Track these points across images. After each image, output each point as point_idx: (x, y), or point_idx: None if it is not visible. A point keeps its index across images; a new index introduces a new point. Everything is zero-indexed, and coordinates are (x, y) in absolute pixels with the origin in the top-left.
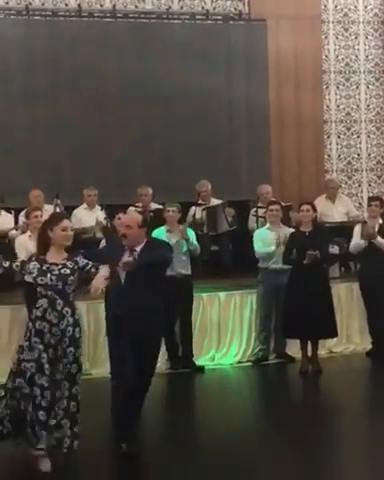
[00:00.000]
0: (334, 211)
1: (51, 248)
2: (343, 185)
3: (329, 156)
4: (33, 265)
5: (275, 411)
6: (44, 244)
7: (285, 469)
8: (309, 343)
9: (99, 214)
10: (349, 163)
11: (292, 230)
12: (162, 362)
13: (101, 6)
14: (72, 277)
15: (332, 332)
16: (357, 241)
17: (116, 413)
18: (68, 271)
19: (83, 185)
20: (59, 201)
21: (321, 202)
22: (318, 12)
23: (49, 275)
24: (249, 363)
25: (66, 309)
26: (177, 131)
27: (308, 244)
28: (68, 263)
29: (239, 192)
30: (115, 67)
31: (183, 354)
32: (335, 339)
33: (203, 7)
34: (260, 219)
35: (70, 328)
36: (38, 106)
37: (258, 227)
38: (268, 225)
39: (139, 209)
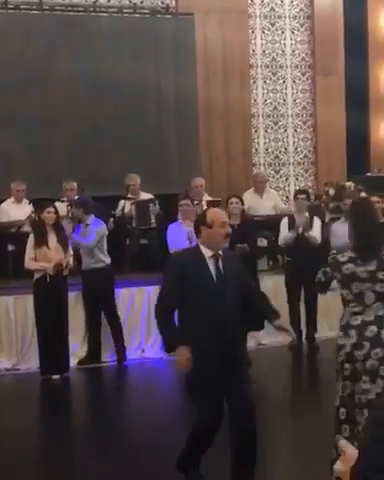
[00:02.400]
0: (262, 204)
1: None
2: (271, 179)
3: (257, 150)
4: (349, 265)
5: None
6: None
7: (214, 460)
8: None
9: (27, 208)
10: (276, 157)
11: None
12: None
13: None
14: None
15: (260, 324)
16: (286, 233)
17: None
18: None
19: (10, 179)
20: None
21: (249, 195)
22: (245, 6)
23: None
24: None
25: None
26: (105, 124)
27: (236, 237)
28: None
29: (169, 185)
30: (41, 60)
31: (116, 348)
32: (263, 331)
33: (130, 1)
34: None
35: None
36: None
37: None
38: (180, 220)
39: (65, 203)
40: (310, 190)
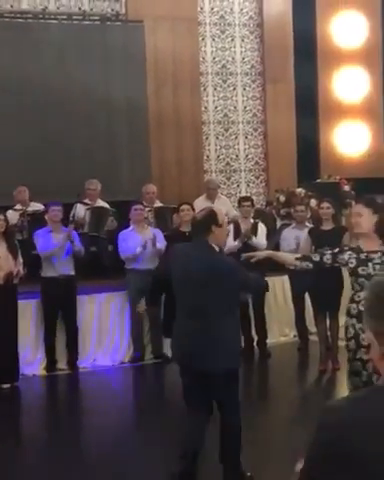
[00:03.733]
0: None
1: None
2: (222, 185)
3: (208, 157)
4: (349, 255)
5: (157, 410)
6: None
7: (163, 469)
8: None
9: None
10: (228, 164)
11: (157, 230)
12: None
13: None
14: None
15: None
16: (231, 242)
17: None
18: None
19: None
20: None
21: (201, 202)
22: (195, 14)
23: (370, 264)
24: (129, 364)
25: None
26: (55, 131)
27: None
28: None
29: (120, 193)
30: None
31: (68, 355)
32: None
33: (80, 8)
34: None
35: None
36: None
37: None
38: (132, 226)
39: (19, 211)
40: (261, 197)
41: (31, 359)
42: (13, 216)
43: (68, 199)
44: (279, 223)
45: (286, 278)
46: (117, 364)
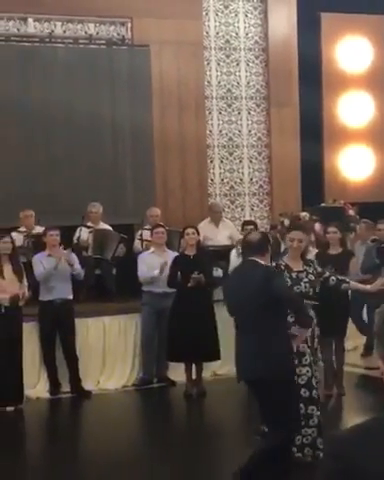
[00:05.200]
0: (217, 235)
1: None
2: (226, 209)
3: (212, 180)
4: (285, 275)
5: (161, 435)
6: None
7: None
8: (194, 366)
9: None
10: (232, 187)
11: (176, 254)
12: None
13: None
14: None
15: (215, 355)
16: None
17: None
18: (313, 277)
19: None
20: None
21: (205, 226)
22: (200, 38)
23: (302, 283)
24: (134, 387)
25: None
26: (61, 155)
27: (192, 267)
28: (308, 269)
29: (124, 216)
30: None
31: (70, 379)
32: (219, 361)
33: (86, 32)
34: (145, 242)
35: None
36: None
37: (143, 250)
38: (152, 249)
39: (23, 233)
40: (265, 220)
41: (35, 381)
42: (18, 238)
43: (73, 222)
44: (283, 247)
45: None
46: (121, 388)
